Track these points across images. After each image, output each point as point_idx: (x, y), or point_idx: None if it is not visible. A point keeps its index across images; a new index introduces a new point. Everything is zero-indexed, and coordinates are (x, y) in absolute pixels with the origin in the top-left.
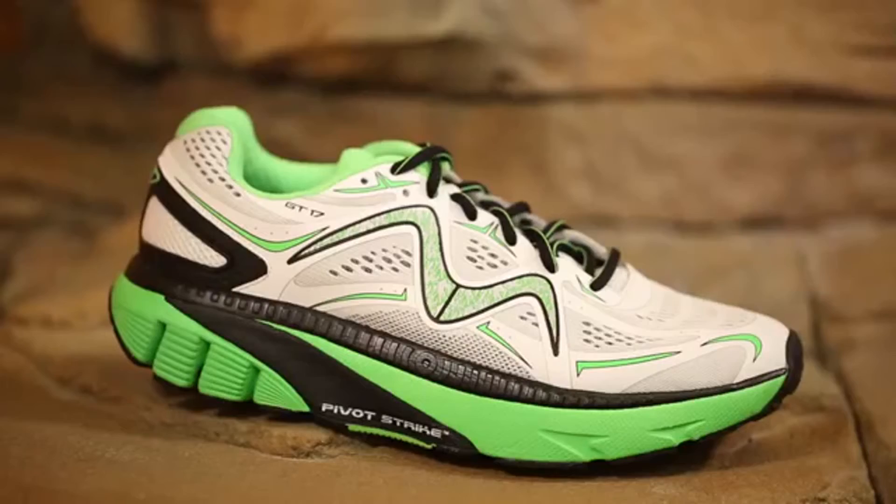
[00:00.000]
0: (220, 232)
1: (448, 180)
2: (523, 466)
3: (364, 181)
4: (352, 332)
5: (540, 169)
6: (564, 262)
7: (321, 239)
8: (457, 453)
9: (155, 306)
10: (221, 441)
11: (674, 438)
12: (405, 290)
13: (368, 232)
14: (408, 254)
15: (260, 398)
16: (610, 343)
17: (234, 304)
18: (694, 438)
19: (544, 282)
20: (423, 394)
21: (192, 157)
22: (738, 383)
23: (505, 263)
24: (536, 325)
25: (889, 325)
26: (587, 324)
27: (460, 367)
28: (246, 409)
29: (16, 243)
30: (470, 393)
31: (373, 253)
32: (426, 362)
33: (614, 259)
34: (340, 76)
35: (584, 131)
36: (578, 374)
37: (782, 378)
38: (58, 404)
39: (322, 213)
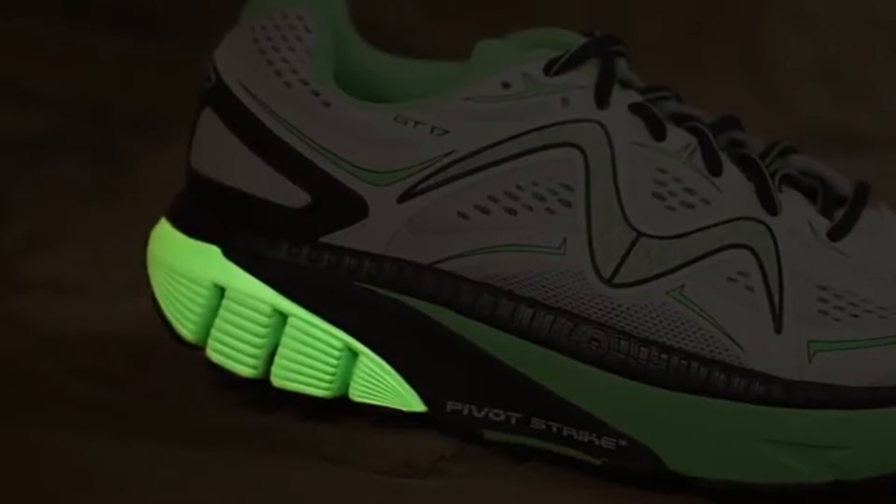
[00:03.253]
0: (302, 157)
1: (626, 84)
2: (731, 490)
3: (506, 85)
4: (489, 301)
5: (755, 68)
6: (791, 200)
7: (445, 168)
8: (638, 471)
9: (209, 263)
10: (304, 455)
11: None
12: (564, 239)
13: (512, 157)
14: (568, 189)
15: (358, 394)
16: (856, 315)
17: (321, 259)
18: None
19: (762, 228)
20: (591, 387)
21: (263, 52)
22: None
23: (706, 203)
24: (751, 289)
25: None
26: (823, 288)
27: (643, 349)
28: (338, 409)
29: (14, 174)
30: (656, 386)
31: (518, 188)
32: (594, 342)
33: (862, 196)
34: None
35: (817, 14)
36: (811, 360)
37: None
38: (71, 404)
39: (446, 131)
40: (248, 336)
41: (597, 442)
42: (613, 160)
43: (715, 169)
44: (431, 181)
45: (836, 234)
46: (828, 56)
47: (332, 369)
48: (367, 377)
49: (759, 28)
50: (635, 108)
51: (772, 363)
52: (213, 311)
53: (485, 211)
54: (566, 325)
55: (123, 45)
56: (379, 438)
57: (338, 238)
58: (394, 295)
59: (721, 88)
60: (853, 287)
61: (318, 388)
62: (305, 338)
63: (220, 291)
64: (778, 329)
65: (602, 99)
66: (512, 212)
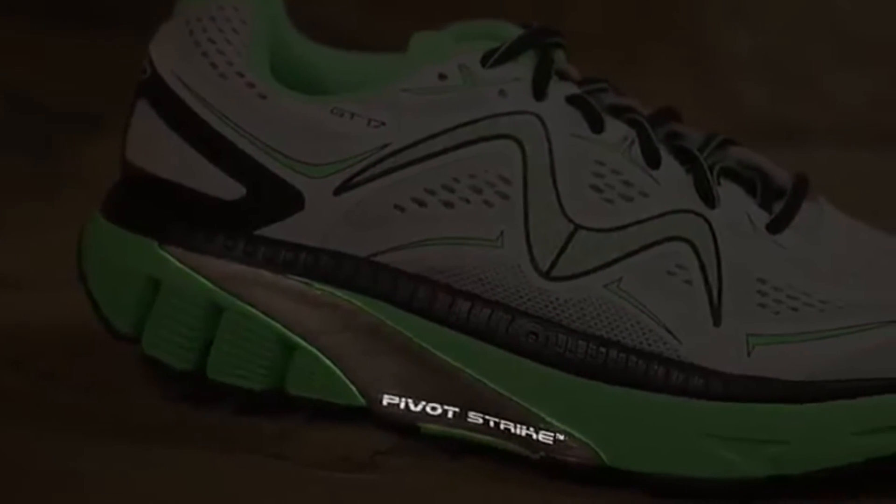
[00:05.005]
0: (237, 150)
1: (563, 76)
2: (670, 485)
3: (443, 77)
4: (426, 294)
5: (695, 60)
6: (730, 192)
7: (382, 160)
8: (576, 466)
9: (145, 257)
10: (241, 449)
11: (887, 445)
12: (501, 232)
13: (449, 150)
14: (505, 181)
15: (295, 387)
16: (794, 309)
17: (257, 252)
18: None
19: (700, 221)
20: (528, 381)
21: (198, 44)
22: None
23: (644, 195)
24: (689, 282)
25: None
26: (762, 281)
27: (581, 342)
28: (275, 403)
29: None
30: (595, 380)
31: (455, 180)
32: (532, 336)
33: (801, 189)
34: None
35: (757, 7)
36: (750, 353)
37: None
38: (5, 397)
39: (383, 123)
40: (183, 329)
41: (535, 436)
42: (551, 152)
43: (653, 161)
44: (368, 173)
45: (775, 226)
46: (767, 48)
47: (268, 363)
48: (303, 371)
49: (699, 20)
50: (573, 100)
51: (710, 357)
52: (149, 304)
53: (422, 203)
54: (504, 319)
55: (59, 38)
56: (316, 432)
57: (274, 231)
58: (330, 288)
59: (660, 80)
60: (792, 280)
61: (254, 381)
62: (241, 331)
63: (156, 284)
64: (716, 322)
65: (539, 91)
66: (449, 204)
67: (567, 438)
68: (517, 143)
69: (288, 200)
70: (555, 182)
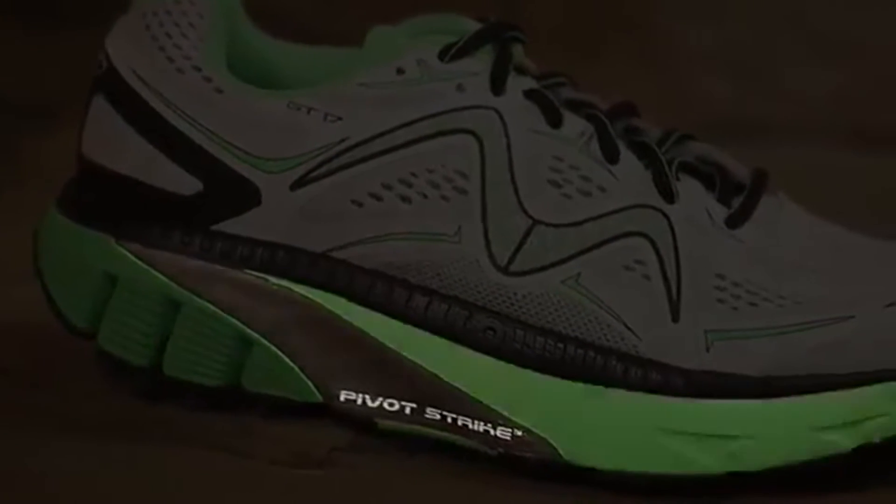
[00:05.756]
0: (194, 144)
1: (521, 71)
2: (628, 481)
3: (400, 71)
4: (383, 289)
5: (653, 54)
6: (688, 187)
7: (339, 155)
8: (534, 462)
9: (100, 252)
10: (197, 446)
11: (845, 441)
12: (459, 227)
13: (406, 144)
14: (463, 176)
15: (251, 383)
16: (753, 304)
17: (213, 248)
18: (873, 441)
19: (659, 216)
20: (486, 377)
21: (155, 38)
22: None
23: (602, 190)
24: (648, 277)
25: None
26: (721, 276)
27: (539, 338)
28: (232, 399)
29: None
30: (553, 376)
31: (413, 175)
32: (490, 331)
33: (760, 184)
34: None
35: (717, 1)
36: (709, 349)
37: None
38: None
39: (340, 118)
40: (139, 325)
41: (492, 432)
42: (509, 147)
43: (611, 156)
44: (325, 168)
45: (733, 221)
46: (728, 43)
47: (224, 358)
48: (260, 366)
49: (658, 14)
50: (531, 95)
51: (669, 352)
52: (105, 299)
53: (379, 198)
54: (461, 314)
55: (13, 32)
56: (273, 429)
57: (230, 226)
58: (287, 283)
59: (619, 75)
60: (751, 275)
61: (211, 377)
62: (198, 327)
63: (112, 280)
64: (675, 318)
65: (497, 85)
66: (406, 199)
67: (525, 434)
68: (475, 138)
69: (244, 195)
70: (513, 177)
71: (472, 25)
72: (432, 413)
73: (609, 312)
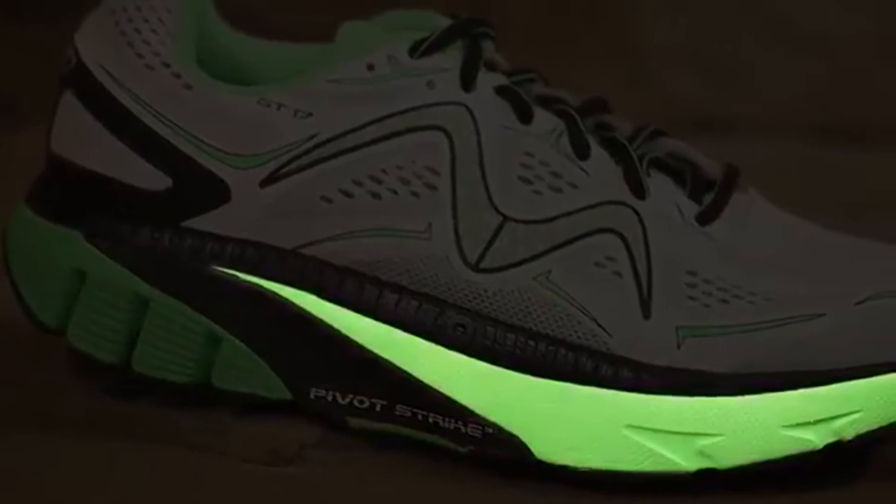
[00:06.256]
0: (163, 140)
1: (492, 67)
2: (599, 478)
3: (371, 67)
4: (353, 286)
5: (624, 50)
6: (659, 184)
7: (309, 151)
8: (504, 459)
9: (69, 249)
10: (166, 442)
11: (816, 438)
12: (429, 224)
13: (377, 141)
14: (433, 172)
15: (221, 381)
16: (725, 301)
17: (183, 244)
18: (845, 438)
19: (630, 213)
20: (456, 374)
21: (124, 33)
22: None
23: (573, 186)
24: (619, 274)
25: None
26: (692, 273)
27: (509, 335)
28: (202, 396)
29: None
30: (523, 373)
31: (383, 171)
32: (460, 328)
33: (731, 180)
34: None
35: None
36: (679, 346)
37: None
38: None
39: (310, 114)
40: (108, 322)
41: (463, 429)
42: (479, 143)
43: (582, 152)
44: (295, 165)
45: (704, 218)
46: (697, 38)
47: (194, 356)
48: (230, 364)
49: (628, 10)
50: (501, 91)
51: (640, 349)
52: (74, 296)
53: (349, 195)
54: (432, 311)
55: None
56: (243, 426)
57: (200, 222)
58: (257, 280)
59: (590, 71)
60: (722, 272)
61: (181, 374)
62: (167, 324)
63: (81, 277)
64: (646, 315)
65: (468, 82)
66: (376, 196)
67: (495, 432)
68: (445, 134)
69: (214, 192)
70: (483, 173)
71: (443, 21)
72: (402, 410)
73: (580, 309)
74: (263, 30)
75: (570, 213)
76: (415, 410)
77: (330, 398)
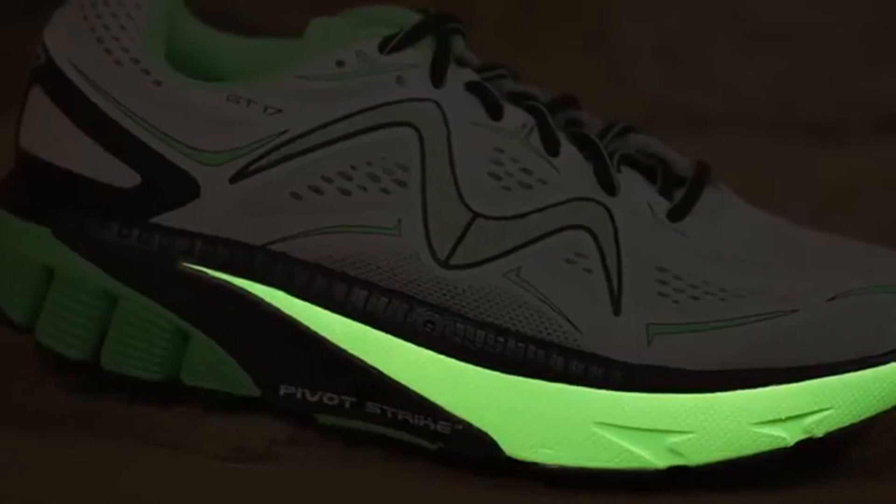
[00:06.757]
0: (132, 137)
1: (462, 63)
2: (569, 475)
3: (340, 64)
4: (323, 283)
5: (594, 46)
6: (630, 180)
7: (278, 147)
8: (474, 456)
9: (38, 245)
10: (135, 439)
11: (787, 435)
12: (399, 220)
13: (346, 137)
14: (403, 169)
15: (190, 377)
16: (695, 297)
17: (152, 241)
18: (816, 435)
19: (600, 209)
20: (426, 371)
21: (93, 29)
22: (880, 355)
23: (543, 182)
24: (589, 271)
25: None
26: (662, 269)
27: (479, 331)
28: (170, 393)
29: None
30: (493, 370)
31: (353, 167)
32: (430, 325)
33: (702, 176)
34: None
35: None
36: (650, 343)
37: None
38: None
39: (279, 111)
40: (77, 318)
41: (432, 426)
42: (449, 140)
43: (552, 149)
44: (264, 161)
45: (675, 214)
46: (667, 35)
47: (163, 352)
48: (199, 360)
49: (598, 6)
50: (471, 87)
51: (610, 346)
52: (42, 293)
53: (318, 191)
54: (401, 308)
55: None
56: (212, 423)
57: (169, 219)
58: (226, 277)
59: (560, 67)
60: (693, 269)
61: (149, 371)
62: (136, 320)
63: (50, 273)
64: (616, 311)
65: (438, 78)
66: (346, 192)
67: (464, 428)
68: (415, 131)
69: (183, 188)
70: (453, 170)
71: (413, 17)
72: (372, 407)
73: (550, 306)
74: (233, 25)
75: (540, 210)
76: (384, 407)
77: (299, 395)
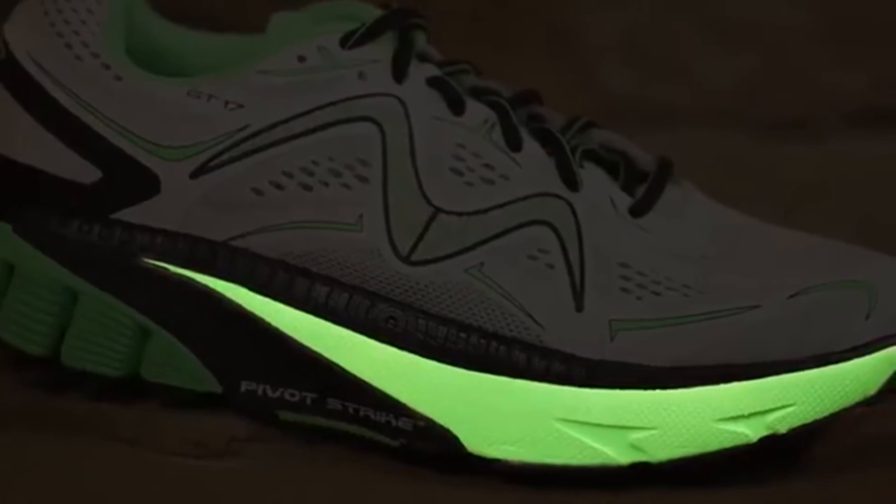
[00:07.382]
0: (92, 132)
1: (424, 58)
2: (531, 472)
3: (302, 59)
4: (284, 278)
5: (558, 41)
6: (592, 176)
7: (239, 143)
8: (436, 453)
9: None
10: (95, 435)
11: (750, 431)
12: (360, 216)
13: (307, 132)
14: (364, 164)
15: (150, 374)
16: (657, 294)
17: (112, 236)
18: (779, 431)
19: (563, 204)
20: (388, 367)
21: (53, 24)
22: (842, 352)
23: (505, 178)
24: (551, 266)
25: None
26: (625, 265)
27: (441, 328)
28: (131, 389)
29: None
30: (455, 366)
31: (314, 163)
32: (391, 321)
33: (664, 172)
34: None
35: None
36: (612, 339)
37: None
38: None
39: (241, 106)
40: (37, 314)
41: (394, 423)
42: (411, 135)
43: (514, 144)
44: (225, 156)
45: (638, 210)
46: (631, 30)
47: (123, 348)
48: (159, 357)
49: (566, 3)
50: (433, 82)
51: (573, 342)
52: (3, 289)
53: (279, 187)
54: (363, 304)
55: None
56: (172, 419)
57: (129, 214)
58: (187, 272)
59: (523, 62)
60: (655, 265)
61: (110, 367)
62: (96, 316)
63: (9, 269)
64: (579, 307)
65: (399, 73)
66: (307, 187)
67: (426, 425)
68: (377, 126)
69: (144, 184)
70: (415, 165)
71: (374, 12)
72: (333, 403)
73: (512, 302)
74: (194, 20)
75: (502, 205)
76: (346, 404)
77: (260, 392)
